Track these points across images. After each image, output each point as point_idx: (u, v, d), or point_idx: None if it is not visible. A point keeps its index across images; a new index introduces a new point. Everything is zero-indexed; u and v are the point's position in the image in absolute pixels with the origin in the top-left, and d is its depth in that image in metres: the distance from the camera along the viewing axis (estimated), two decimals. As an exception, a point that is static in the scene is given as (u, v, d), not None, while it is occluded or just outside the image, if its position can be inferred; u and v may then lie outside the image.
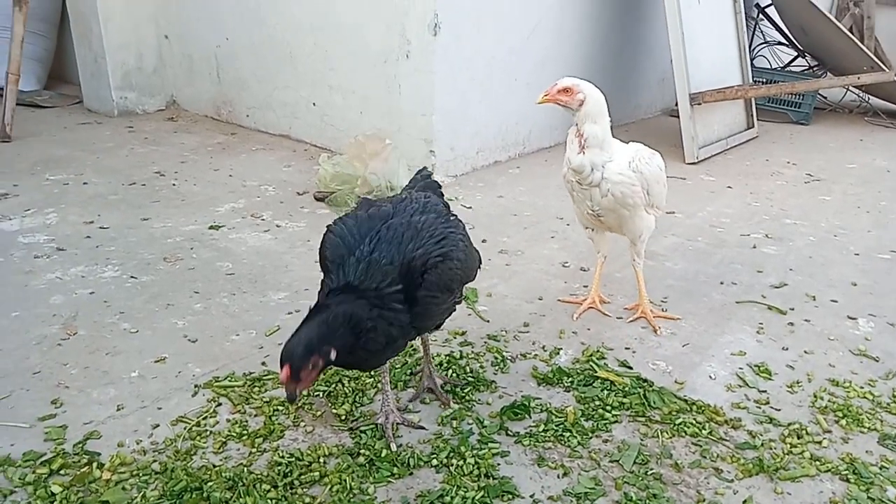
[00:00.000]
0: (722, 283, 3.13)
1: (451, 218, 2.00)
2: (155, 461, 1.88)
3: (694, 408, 2.21)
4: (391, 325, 1.70)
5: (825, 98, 6.75)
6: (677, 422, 2.13)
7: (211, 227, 3.56)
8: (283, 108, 5.25)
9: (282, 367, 1.53)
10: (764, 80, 6.28)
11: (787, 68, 6.92)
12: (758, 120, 5.93)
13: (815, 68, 6.76)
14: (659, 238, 3.63)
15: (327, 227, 1.90)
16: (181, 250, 3.28)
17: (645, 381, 2.34)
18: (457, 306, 2.02)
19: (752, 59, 6.34)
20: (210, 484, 1.79)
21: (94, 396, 2.17)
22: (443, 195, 2.23)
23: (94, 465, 1.85)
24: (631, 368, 2.43)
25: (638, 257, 2.74)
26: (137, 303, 2.77)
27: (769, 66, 7.02)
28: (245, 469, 1.86)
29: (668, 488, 1.87)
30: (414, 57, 4.31)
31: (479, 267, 2.12)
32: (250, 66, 5.31)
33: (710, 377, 2.40)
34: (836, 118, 6.55)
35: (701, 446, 2.04)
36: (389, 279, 1.70)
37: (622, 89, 5.94)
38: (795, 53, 6.98)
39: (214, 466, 1.87)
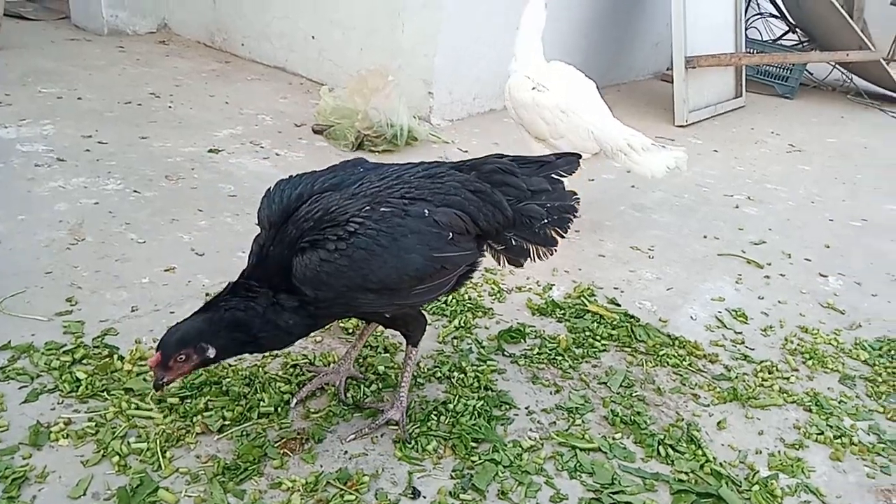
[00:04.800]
0: (705, 237, 3.29)
1: (406, 209, 1.59)
2: (172, 358, 1.97)
3: (676, 342, 2.37)
4: (285, 326, 1.59)
5: (811, 74, 6.90)
6: (660, 353, 2.29)
7: (210, 151, 3.57)
8: (280, 40, 5.18)
9: (157, 351, 1.53)
10: (756, 52, 6.38)
11: (779, 41, 7.03)
12: (746, 90, 6.06)
13: (805, 44, 6.88)
14: (647, 192, 3.77)
15: (273, 185, 1.72)
16: (182, 170, 3.30)
17: (632, 317, 2.49)
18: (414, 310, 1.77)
19: (745, 30, 6.43)
20: (228, 380, 1.90)
21: (108, 298, 2.24)
22: (516, 186, 1.77)
23: (115, 357, 1.94)
24: (619, 306, 2.58)
25: None
26: (142, 216, 2.81)
27: (760, 38, 7.12)
28: (260, 369, 1.97)
29: (651, 408, 2.04)
30: (420, -6, 4.29)
31: (426, 276, 1.63)
32: (248, -7, 5.22)
33: (692, 318, 2.57)
34: (819, 95, 6.72)
35: (681, 375, 2.21)
36: (280, 279, 1.57)
37: (617, 50, 6.00)
38: (787, 28, 7.09)
39: (230, 365, 1.97)
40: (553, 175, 1.87)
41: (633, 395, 2.09)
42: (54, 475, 1.56)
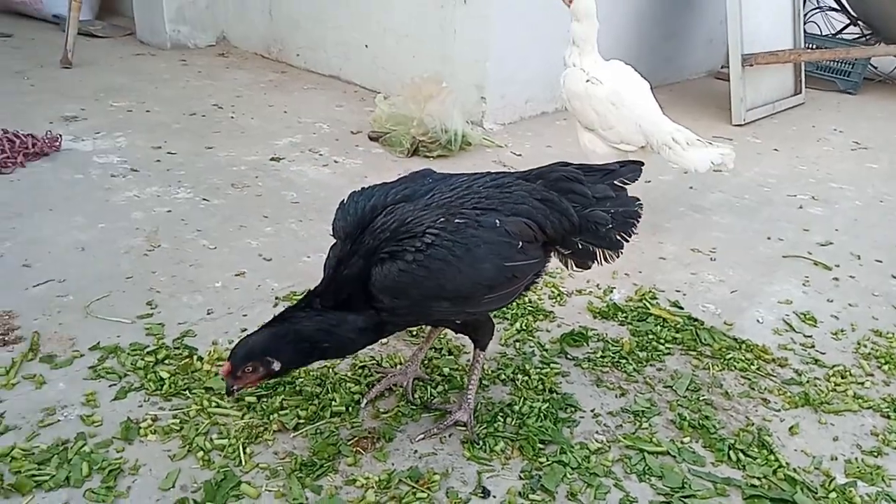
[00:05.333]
0: (769, 238, 3.22)
1: (479, 220, 1.63)
2: (247, 359, 2.05)
3: (743, 346, 2.34)
4: (350, 337, 1.65)
5: (875, 68, 6.65)
6: (727, 357, 2.26)
7: (272, 159, 3.69)
8: (335, 49, 5.31)
9: (227, 361, 1.62)
10: (815, 47, 6.19)
11: (839, 35, 6.80)
12: (805, 87, 5.89)
13: (868, 37, 6.64)
14: (706, 193, 3.71)
15: (347, 197, 1.78)
16: (247, 178, 3.42)
17: (696, 320, 2.46)
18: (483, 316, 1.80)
19: (803, 25, 6.25)
20: (300, 380, 1.96)
21: (185, 301, 2.35)
22: (584, 195, 1.79)
23: (195, 357, 2.03)
24: (682, 308, 2.55)
25: None
26: (212, 223, 2.93)
27: (820, 33, 6.90)
28: (330, 370, 2.03)
29: (719, 412, 2.02)
30: (471, 2, 4.34)
31: (497, 287, 1.66)
32: (304, 5, 5.36)
33: (758, 321, 2.52)
34: (884, 89, 6.47)
35: (749, 379, 2.17)
36: (355, 288, 1.62)
37: (670, 48, 5.92)
38: (848, 21, 6.85)
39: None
40: (617, 182, 1.90)
41: (701, 398, 2.07)
42: (145, 468, 1.65)
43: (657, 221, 3.28)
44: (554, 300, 2.56)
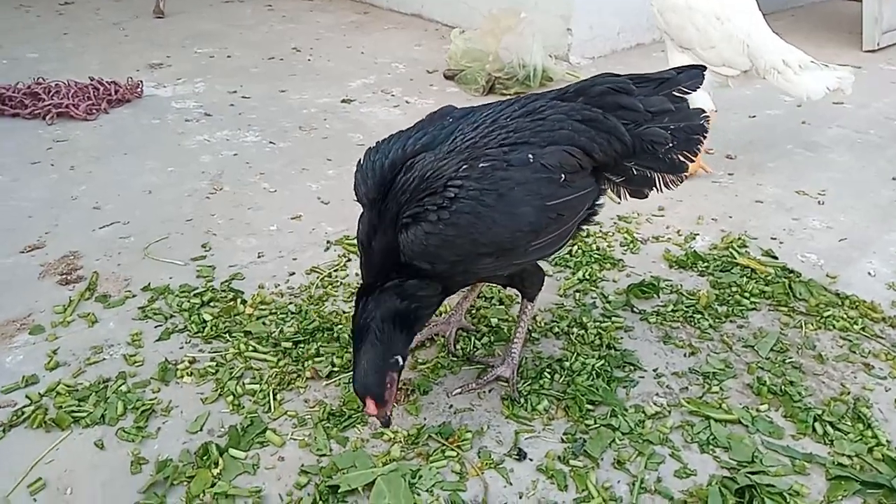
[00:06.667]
0: (894, 179, 2.76)
1: (508, 158, 1.45)
2: (291, 303, 2.01)
3: (846, 302, 2.01)
4: (424, 293, 1.50)
5: None
6: (825, 314, 1.95)
7: (343, 101, 3.61)
8: (416, -15, 5.10)
9: (364, 401, 1.45)
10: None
11: None
12: (963, 1, 4.99)
13: None
14: (822, 128, 3.24)
15: (363, 156, 1.60)
16: (315, 121, 3.36)
17: (791, 271, 2.15)
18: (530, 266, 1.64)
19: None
20: (340, 326, 1.89)
21: (238, 244, 2.34)
22: (631, 108, 1.56)
23: (239, 301, 2.01)
24: (776, 258, 2.23)
25: None
26: (276, 166, 2.90)
27: None
28: (372, 317, 1.94)
29: (808, 378, 1.74)
30: (557, -78, 3.97)
31: (535, 230, 1.48)
32: (385, -61, 5.17)
33: (869, 273, 2.16)
34: None
35: (850, 341, 1.86)
36: (393, 258, 1.48)
37: (794, -37, 5.20)
38: None
39: (344, 312, 1.97)
40: (675, 92, 1.62)
41: (787, 361, 1.79)
42: (177, 410, 1.64)
43: (758, 161, 2.91)
44: (626, 247, 2.32)
